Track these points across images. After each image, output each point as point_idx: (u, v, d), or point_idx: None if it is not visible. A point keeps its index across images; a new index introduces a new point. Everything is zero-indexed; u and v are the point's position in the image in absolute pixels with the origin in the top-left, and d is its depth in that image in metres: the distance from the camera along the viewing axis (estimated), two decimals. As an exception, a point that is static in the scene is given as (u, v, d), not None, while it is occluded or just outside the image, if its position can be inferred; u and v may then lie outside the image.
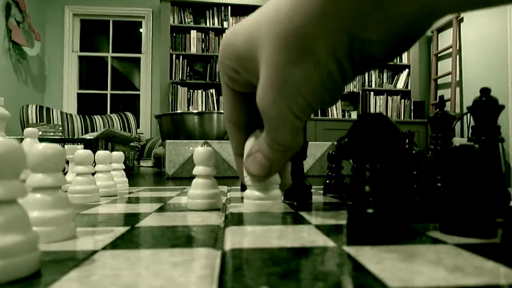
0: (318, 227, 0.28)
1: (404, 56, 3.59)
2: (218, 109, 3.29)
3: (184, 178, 1.06)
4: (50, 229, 0.23)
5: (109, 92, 3.74)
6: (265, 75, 0.25)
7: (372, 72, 3.56)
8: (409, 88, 3.57)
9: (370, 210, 0.23)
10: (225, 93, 0.32)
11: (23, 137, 0.54)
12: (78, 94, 3.66)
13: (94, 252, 0.20)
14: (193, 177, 0.40)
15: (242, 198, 0.48)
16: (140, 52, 3.70)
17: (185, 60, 3.38)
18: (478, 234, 0.24)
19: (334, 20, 0.22)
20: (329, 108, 3.41)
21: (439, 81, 3.62)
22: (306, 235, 0.25)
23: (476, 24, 3.16)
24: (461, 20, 3.31)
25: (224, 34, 2.97)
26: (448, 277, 0.16)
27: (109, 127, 2.78)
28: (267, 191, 0.34)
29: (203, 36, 3.43)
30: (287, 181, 0.37)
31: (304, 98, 0.25)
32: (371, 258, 0.19)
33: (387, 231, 0.23)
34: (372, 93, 3.54)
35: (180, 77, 3.35)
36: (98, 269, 0.17)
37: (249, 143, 0.33)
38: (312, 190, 0.47)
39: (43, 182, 0.24)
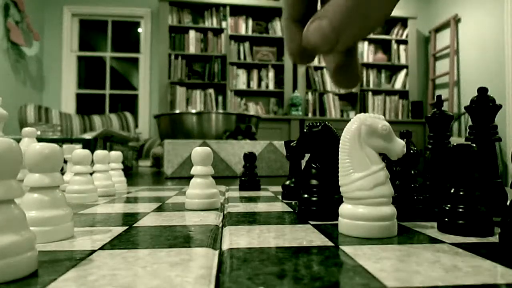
0: (316, 226, 0.28)
1: (402, 56, 3.59)
2: (216, 109, 3.29)
3: (182, 177, 1.06)
4: (48, 229, 0.23)
5: (107, 92, 3.73)
6: None
7: (370, 72, 3.56)
8: (407, 88, 3.57)
9: (314, 198, 0.33)
10: None
11: (21, 137, 0.54)
12: (77, 94, 3.65)
13: (91, 252, 0.20)
14: (192, 176, 0.40)
15: (240, 198, 0.48)
16: (138, 52, 3.69)
17: (184, 60, 3.37)
18: (476, 233, 0.24)
19: None
20: (327, 108, 3.41)
21: (437, 81, 3.62)
22: (304, 235, 0.25)
23: (473, 24, 3.16)
24: (459, 20, 3.32)
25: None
26: (446, 277, 0.16)
27: (107, 127, 2.77)
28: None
29: (201, 36, 3.43)
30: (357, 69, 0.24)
31: None
32: (369, 257, 0.19)
33: (326, 212, 0.31)
34: (370, 93, 3.54)
35: (179, 77, 3.34)
36: (96, 269, 0.17)
37: None
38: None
39: (41, 182, 0.24)
